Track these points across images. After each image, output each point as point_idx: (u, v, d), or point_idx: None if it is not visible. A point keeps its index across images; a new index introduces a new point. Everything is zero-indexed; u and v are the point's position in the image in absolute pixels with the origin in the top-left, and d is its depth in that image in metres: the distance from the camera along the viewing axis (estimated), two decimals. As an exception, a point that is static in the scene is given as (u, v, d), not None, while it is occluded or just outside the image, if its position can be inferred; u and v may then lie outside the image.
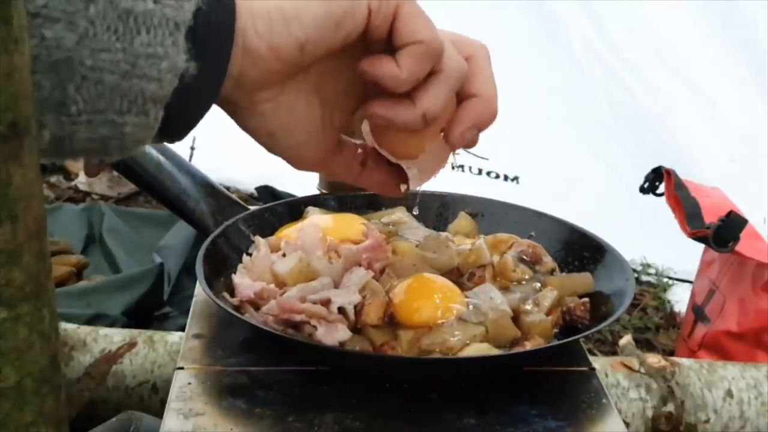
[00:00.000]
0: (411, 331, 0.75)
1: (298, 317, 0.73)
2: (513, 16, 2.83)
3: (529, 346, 0.74)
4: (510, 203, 0.95)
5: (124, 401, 1.25)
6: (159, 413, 0.71)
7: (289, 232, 0.86)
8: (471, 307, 0.76)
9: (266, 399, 0.68)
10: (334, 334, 0.73)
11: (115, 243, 2.17)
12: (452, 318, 0.75)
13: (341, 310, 0.74)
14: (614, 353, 1.80)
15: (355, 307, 0.75)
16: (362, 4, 0.59)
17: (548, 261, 0.86)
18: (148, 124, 0.56)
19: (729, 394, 1.26)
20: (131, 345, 1.25)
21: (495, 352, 0.73)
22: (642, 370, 1.24)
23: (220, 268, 0.81)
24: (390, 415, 0.68)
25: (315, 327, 0.72)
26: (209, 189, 0.91)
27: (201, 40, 0.55)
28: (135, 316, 1.80)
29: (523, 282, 0.83)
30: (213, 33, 0.56)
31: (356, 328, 0.75)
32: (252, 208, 0.92)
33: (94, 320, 1.68)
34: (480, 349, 0.73)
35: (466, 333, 0.74)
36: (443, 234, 0.89)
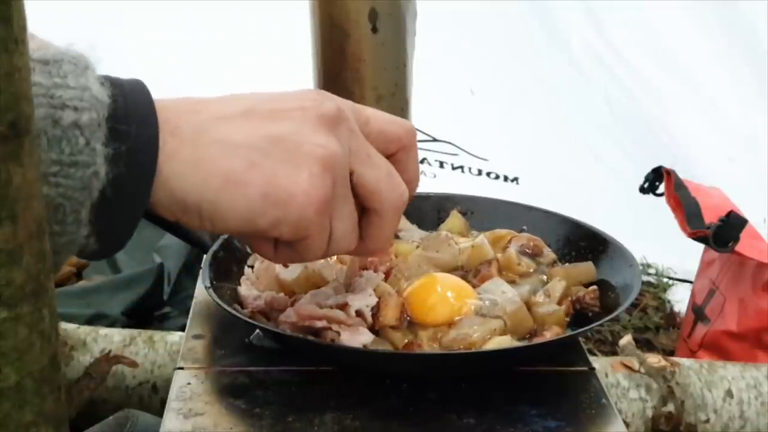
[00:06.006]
0: (430, 329, 0.75)
1: (319, 323, 0.73)
2: (512, 17, 2.83)
3: (548, 335, 0.74)
4: (499, 199, 0.94)
5: (124, 401, 1.25)
6: (159, 413, 0.71)
7: None
8: (486, 301, 0.76)
9: (266, 399, 0.68)
10: (357, 338, 0.72)
11: (114, 243, 2.16)
12: (470, 313, 0.75)
13: (358, 314, 0.74)
14: (614, 353, 1.80)
15: (371, 309, 0.75)
16: (296, 212, 0.59)
17: (549, 253, 0.86)
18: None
19: (729, 394, 1.26)
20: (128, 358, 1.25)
21: (517, 344, 0.74)
22: (642, 370, 1.24)
23: (223, 280, 0.81)
24: (389, 415, 0.68)
25: (338, 332, 0.72)
26: None
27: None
28: (135, 316, 1.80)
29: (529, 275, 0.83)
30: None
31: (374, 331, 0.74)
32: None
33: (94, 320, 1.68)
34: (503, 342, 0.73)
35: (486, 327, 0.74)
36: (442, 233, 0.89)
